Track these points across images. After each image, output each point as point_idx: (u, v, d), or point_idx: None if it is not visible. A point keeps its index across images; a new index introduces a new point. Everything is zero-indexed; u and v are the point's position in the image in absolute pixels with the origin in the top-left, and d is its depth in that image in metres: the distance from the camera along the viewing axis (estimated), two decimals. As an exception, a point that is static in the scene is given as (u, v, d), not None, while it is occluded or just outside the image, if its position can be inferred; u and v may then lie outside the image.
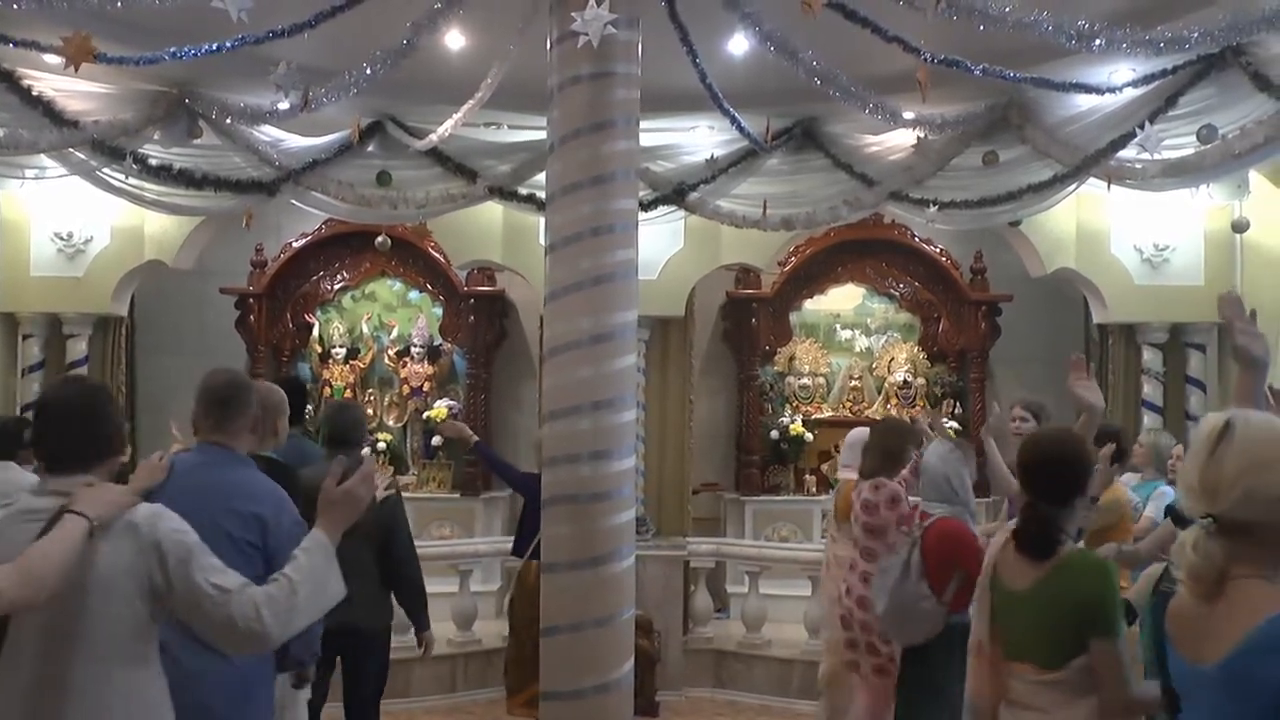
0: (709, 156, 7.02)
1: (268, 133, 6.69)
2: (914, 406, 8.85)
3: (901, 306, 9.32)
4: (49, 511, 2.23)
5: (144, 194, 6.72)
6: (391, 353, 9.16)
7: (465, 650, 7.12)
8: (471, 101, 5.61)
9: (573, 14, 4.23)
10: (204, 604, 2.26)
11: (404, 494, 5.13)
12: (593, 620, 4.39)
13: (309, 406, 8.71)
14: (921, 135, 6.53)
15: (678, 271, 7.90)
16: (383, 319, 9.25)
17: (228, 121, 6.42)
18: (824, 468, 8.93)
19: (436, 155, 6.89)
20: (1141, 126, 5.67)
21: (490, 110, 6.07)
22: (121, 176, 6.54)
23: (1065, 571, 2.69)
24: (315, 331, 9.09)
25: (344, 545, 2.46)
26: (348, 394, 8.78)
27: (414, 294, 9.23)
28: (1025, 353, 9.01)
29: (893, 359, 9.26)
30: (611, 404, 4.44)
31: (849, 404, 9.22)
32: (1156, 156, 5.78)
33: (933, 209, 6.73)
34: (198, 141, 6.56)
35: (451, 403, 8.89)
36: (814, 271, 9.09)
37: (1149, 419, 7.67)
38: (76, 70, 4.49)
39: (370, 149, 6.91)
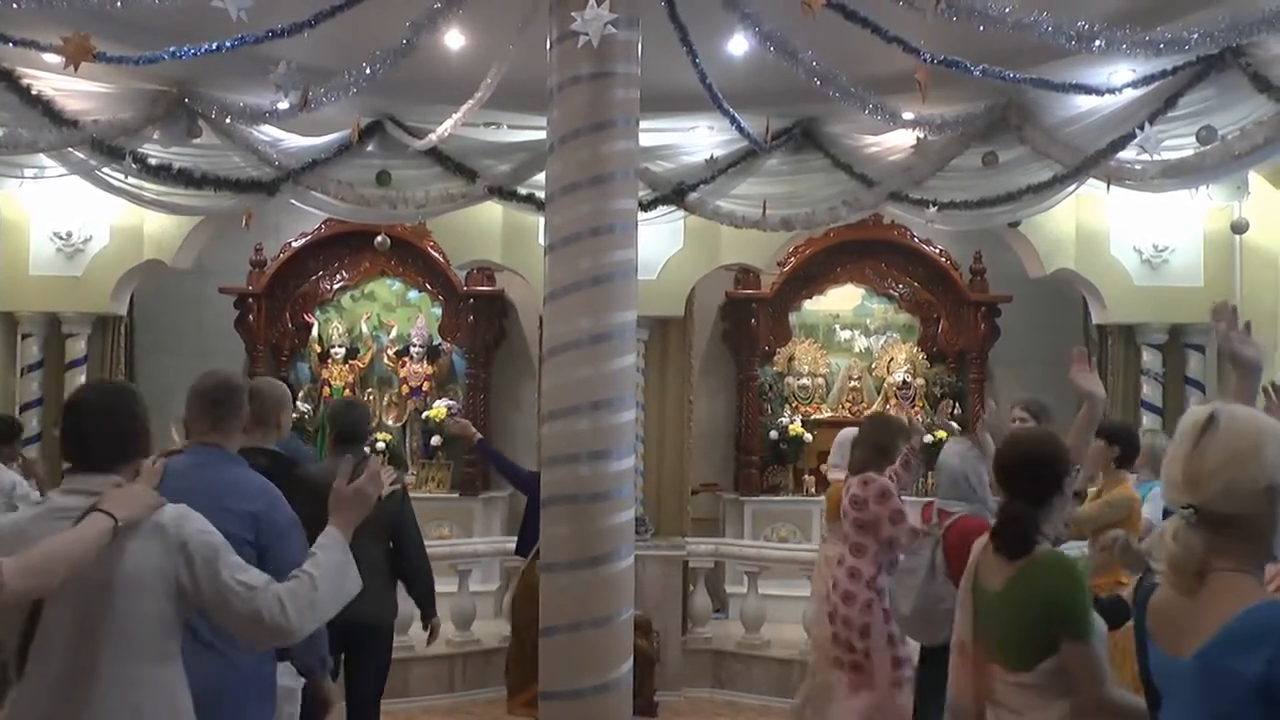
0: (709, 157, 7.02)
1: (267, 132, 6.69)
2: (913, 407, 8.84)
3: (901, 307, 9.33)
4: (79, 510, 2.30)
5: (143, 193, 6.72)
6: (391, 352, 9.16)
7: (464, 650, 7.12)
8: (471, 101, 5.61)
9: (573, 14, 4.23)
10: (232, 601, 2.35)
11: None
12: (591, 620, 4.39)
13: (307, 406, 8.77)
14: (921, 136, 6.54)
15: (677, 272, 7.90)
16: (382, 319, 9.25)
17: (227, 121, 6.42)
18: (823, 468, 8.90)
19: (436, 155, 6.89)
20: (1141, 127, 5.67)
21: (490, 110, 6.06)
22: (121, 176, 6.54)
23: (1034, 572, 2.68)
24: (314, 331, 9.09)
25: (352, 542, 2.55)
26: (347, 394, 8.77)
27: (413, 294, 9.24)
28: (1024, 353, 9.01)
29: (892, 359, 9.27)
30: (611, 404, 4.44)
31: (848, 404, 9.22)
32: (1156, 157, 5.78)
33: (932, 210, 6.73)
34: (197, 141, 6.57)
35: (451, 402, 8.89)
36: (813, 272, 9.10)
37: (1148, 420, 7.67)
38: (76, 69, 4.49)
39: (370, 149, 6.90)
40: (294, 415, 5.02)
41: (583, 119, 4.47)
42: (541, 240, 5.24)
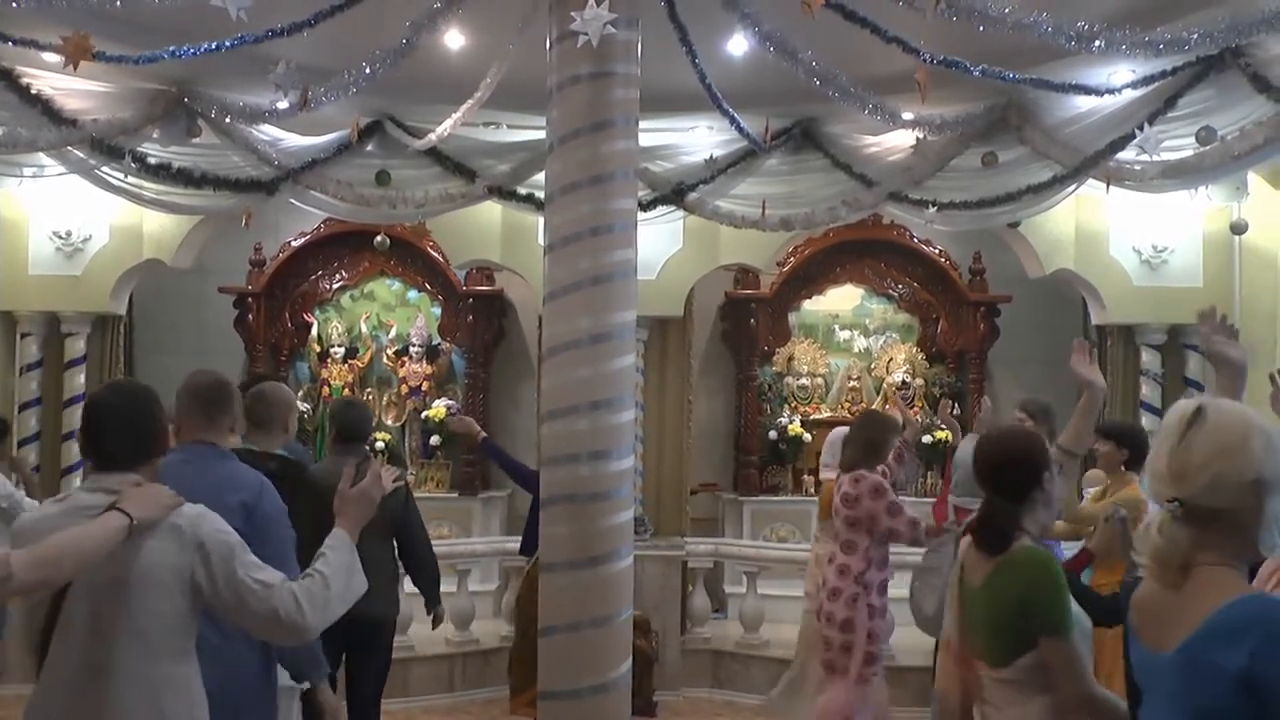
0: (708, 157, 7.02)
1: (267, 132, 6.69)
2: (912, 407, 8.84)
3: (900, 307, 9.33)
4: (100, 508, 2.37)
5: (143, 193, 6.72)
6: (390, 352, 9.16)
7: (463, 650, 7.12)
8: (471, 101, 5.60)
9: (572, 13, 4.23)
10: (249, 599, 2.43)
11: (403, 492, 5.20)
12: (590, 620, 4.39)
13: (307, 406, 8.77)
14: (921, 136, 6.53)
15: (677, 272, 7.90)
16: (381, 318, 9.25)
17: (227, 120, 6.42)
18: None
19: (435, 155, 6.88)
20: (1141, 128, 5.67)
21: (489, 110, 6.06)
22: (120, 175, 6.53)
23: (1010, 567, 2.69)
24: (314, 331, 9.09)
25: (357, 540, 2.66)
26: (346, 393, 8.77)
27: (413, 293, 9.24)
28: (1024, 354, 9.02)
29: (891, 360, 9.27)
30: (610, 404, 4.44)
31: (847, 404, 9.22)
32: (1155, 158, 5.79)
33: (932, 210, 6.73)
34: (197, 140, 6.56)
35: (450, 402, 8.89)
36: (813, 272, 9.10)
37: (1147, 420, 7.66)
38: (75, 69, 4.49)
39: (369, 148, 6.90)
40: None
41: (582, 119, 4.46)
42: (541, 240, 5.23)
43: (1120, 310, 7.83)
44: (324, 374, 9.02)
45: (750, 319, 8.96)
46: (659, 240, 7.59)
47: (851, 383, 9.33)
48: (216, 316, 8.89)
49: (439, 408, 8.83)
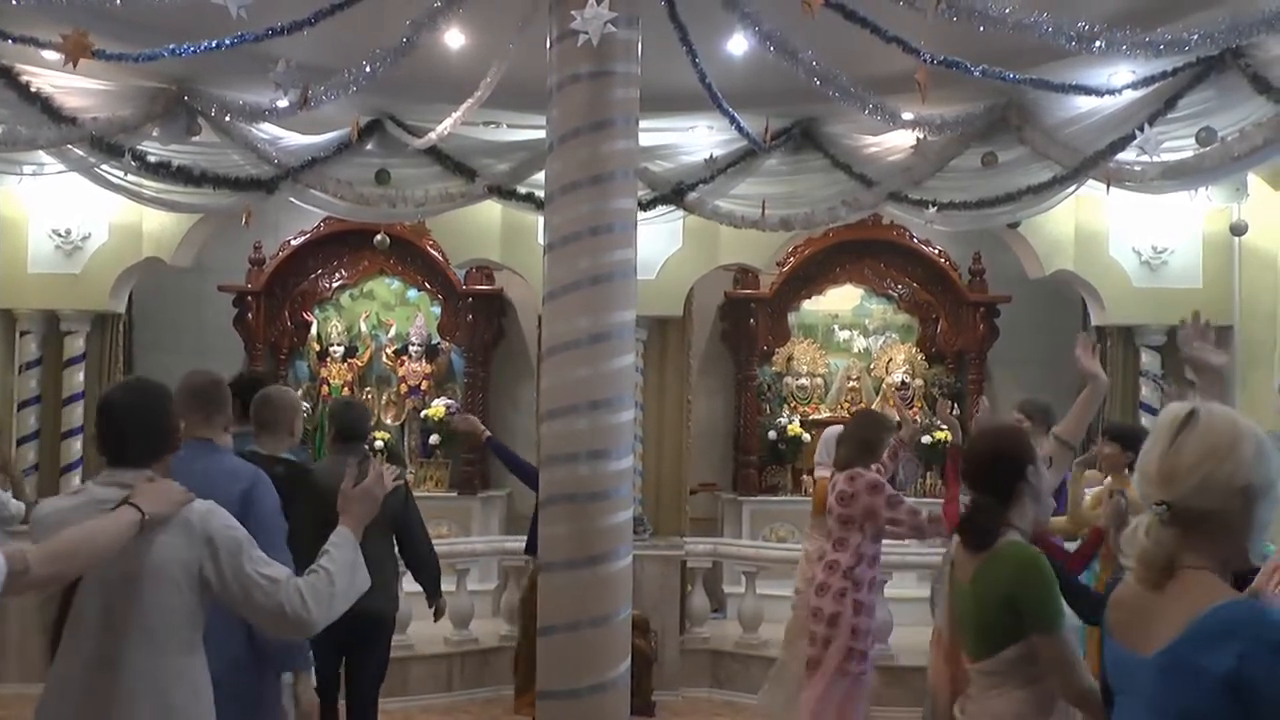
0: (708, 156, 7.01)
1: (267, 130, 6.68)
2: (911, 407, 8.84)
3: (900, 307, 9.32)
4: (113, 502, 2.43)
5: (142, 191, 6.72)
6: (389, 351, 9.15)
7: (462, 649, 7.12)
8: (471, 100, 5.60)
9: (572, 13, 4.23)
10: (255, 594, 2.48)
11: (402, 493, 5.23)
12: (589, 620, 4.39)
13: (306, 405, 8.76)
14: (920, 136, 6.53)
15: (676, 271, 7.90)
16: (381, 317, 9.24)
17: (227, 119, 6.41)
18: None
19: (435, 154, 6.88)
20: (1141, 128, 5.67)
21: (489, 109, 6.06)
22: (120, 173, 6.53)
23: (995, 564, 2.70)
24: (313, 330, 9.08)
25: None
26: (345, 392, 8.77)
27: (412, 292, 9.23)
28: (1023, 354, 9.01)
29: (891, 360, 9.26)
30: (609, 404, 4.44)
31: (847, 404, 9.20)
32: (1156, 159, 5.78)
33: (931, 210, 6.73)
34: (196, 139, 6.56)
35: (449, 401, 8.88)
36: (812, 272, 9.09)
37: (1147, 421, 7.66)
38: (75, 67, 4.49)
39: (369, 147, 6.90)
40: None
41: (582, 118, 4.46)
42: (541, 239, 5.23)
43: (1120, 311, 7.82)
44: (323, 373, 9.02)
45: (750, 319, 8.95)
46: (659, 240, 7.58)
47: (851, 383, 9.33)
48: (216, 315, 8.89)
49: (438, 407, 8.83)
